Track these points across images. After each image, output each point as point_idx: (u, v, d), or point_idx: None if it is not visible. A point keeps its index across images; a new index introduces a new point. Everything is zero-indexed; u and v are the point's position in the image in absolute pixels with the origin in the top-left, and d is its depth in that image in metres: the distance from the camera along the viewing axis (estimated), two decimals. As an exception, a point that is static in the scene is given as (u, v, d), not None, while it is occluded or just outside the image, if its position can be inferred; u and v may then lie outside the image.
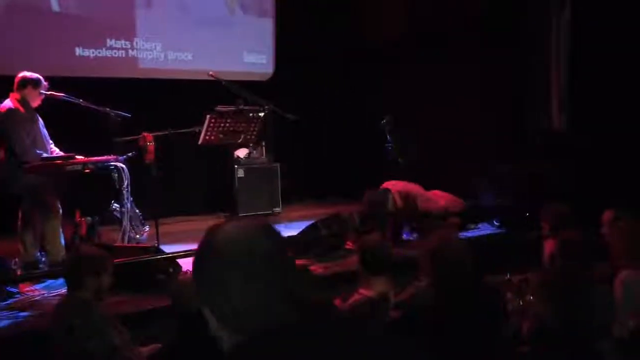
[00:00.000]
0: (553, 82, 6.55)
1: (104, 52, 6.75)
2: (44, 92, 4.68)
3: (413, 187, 5.55)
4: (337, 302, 3.03)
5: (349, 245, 5.18)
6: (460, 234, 5.43)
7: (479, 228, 5.86)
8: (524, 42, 6.67)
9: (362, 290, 3.04)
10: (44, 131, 4.79)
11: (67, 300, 2.82)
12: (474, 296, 2.60)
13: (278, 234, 1.24)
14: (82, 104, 4.81)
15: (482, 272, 2.77)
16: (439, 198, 5.65)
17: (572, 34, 6.27)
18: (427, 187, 5.74)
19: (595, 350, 2.23)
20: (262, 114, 5.21)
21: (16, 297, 4.08)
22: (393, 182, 5.59)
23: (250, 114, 5.18)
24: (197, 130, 5.04)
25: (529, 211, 5.23)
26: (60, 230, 4.66)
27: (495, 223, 5.87)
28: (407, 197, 5.45)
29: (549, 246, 3.52)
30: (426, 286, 2.84)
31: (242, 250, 1.17)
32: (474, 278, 2.65)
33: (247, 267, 1.15)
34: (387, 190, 5.45)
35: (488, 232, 5.78)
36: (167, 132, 5.28)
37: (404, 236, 5.59)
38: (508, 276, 3.33)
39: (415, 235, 5.55)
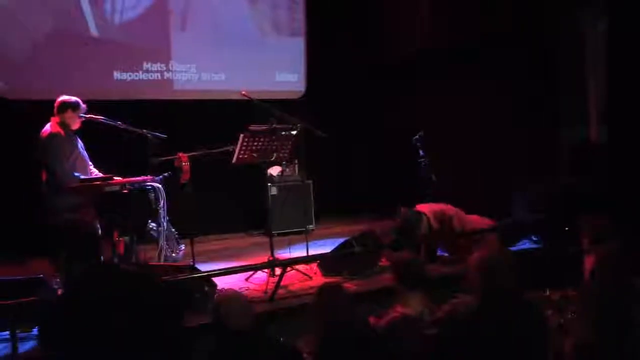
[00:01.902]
0: (591, 94, 6.43)
1: (140, 75, 6.93)
2: (84, 115, 4.81)
3: (447, 208, 5.45)
4: (372, 319, 3.00)
5: (383, 262, 5.15)
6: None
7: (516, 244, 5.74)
8: (558, 54, 6.57)
9: (399, 308, 3.02)
10: (84, 153, 4.92)
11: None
12: (517, 313, 2.55)
13: None
14: (120, 126, 4.92)
15: (522, 288, 2.71)
16: (476, 220, 5.52)
17: (610, 43, 6.14)
18: (459, 205, 5.63)
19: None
20: (294, 132, 5.24)
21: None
22: (427, 204, 5.50)
23: (283, 132, 5.21)
24: (231, 149, 5.10)
25: (569, 225, 5.10)
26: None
27: (534, 238, 5.73)
28: (442, 218, 5.35)
29: (589, 261, 3.42)
30: (464, 303, 2.79)
31: None
32: (517, 294, 2.60)
33: None
34: (421, 213, 5.37)
35: (526, 247, 5.65)
36: (201, 152, 5.37)
37: (438, 252, 5.51)
38: (547, 292, 3.25)
39: (449, 253, 5.46)
